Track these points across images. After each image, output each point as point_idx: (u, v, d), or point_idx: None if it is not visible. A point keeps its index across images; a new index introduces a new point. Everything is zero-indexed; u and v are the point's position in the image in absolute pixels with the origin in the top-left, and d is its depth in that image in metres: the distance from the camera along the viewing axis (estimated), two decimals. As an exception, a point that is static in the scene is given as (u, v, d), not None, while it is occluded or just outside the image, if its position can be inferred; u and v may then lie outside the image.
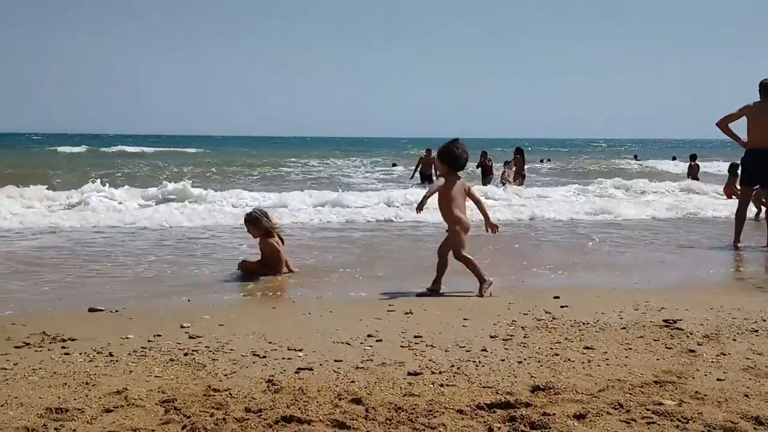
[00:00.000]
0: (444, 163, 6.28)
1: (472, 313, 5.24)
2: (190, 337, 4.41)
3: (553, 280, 6.99)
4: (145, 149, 54.23)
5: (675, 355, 4.03)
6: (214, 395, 3.25)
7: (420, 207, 6.04)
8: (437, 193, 6.14)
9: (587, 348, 4.17)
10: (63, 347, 4.14)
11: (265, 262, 7.08)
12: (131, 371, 3.66)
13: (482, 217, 6.46)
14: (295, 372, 3.64)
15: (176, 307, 5.52)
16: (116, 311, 5.33)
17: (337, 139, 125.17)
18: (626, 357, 3.99)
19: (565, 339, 4.40)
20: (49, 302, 5.77)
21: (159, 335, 4.47)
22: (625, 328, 4.73)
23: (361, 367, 3.73)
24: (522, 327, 4.75)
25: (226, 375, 3.60)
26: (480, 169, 23.10)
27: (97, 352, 4.04)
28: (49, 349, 4.11)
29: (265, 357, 3.94)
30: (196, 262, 7.84)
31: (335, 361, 3.86)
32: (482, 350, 4.11)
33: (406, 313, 5.22)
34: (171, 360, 3.87)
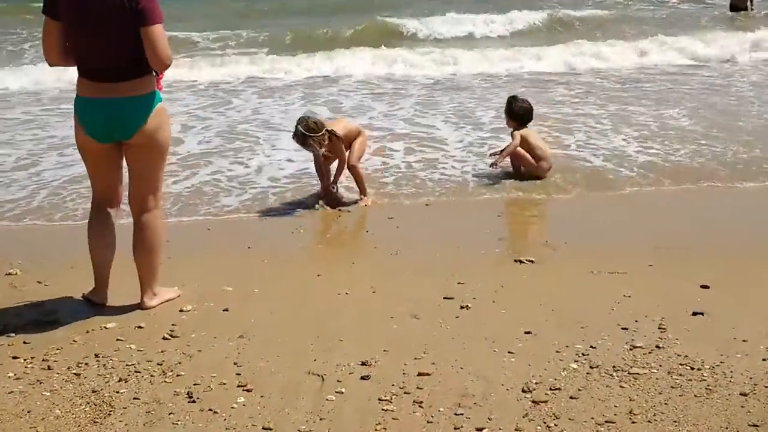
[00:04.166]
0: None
1: (553, 316, 3.88)
2: (164, 338, 3.70)
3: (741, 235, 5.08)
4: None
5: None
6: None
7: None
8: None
9: (644, 449, 2.73)
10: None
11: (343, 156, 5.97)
12: (29, 411, 3.06)
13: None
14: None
15: (222, 259, 4.85)
16: (168, 258, 4.35)
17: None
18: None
19: (630, 413, 2.96)
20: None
21: (141, 327, 3.86)
22: (745, 394, 3.10)
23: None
24: (590, 367, 3.34)
25: (111, 445, 2.85)
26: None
27: (43, 360, 3.51)
28: None
29: (195, 402, 3.10)
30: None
31: (263, 429, 2.91)
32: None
33: (462, 308, 4.03)
34: (93, 392, 3.17)
